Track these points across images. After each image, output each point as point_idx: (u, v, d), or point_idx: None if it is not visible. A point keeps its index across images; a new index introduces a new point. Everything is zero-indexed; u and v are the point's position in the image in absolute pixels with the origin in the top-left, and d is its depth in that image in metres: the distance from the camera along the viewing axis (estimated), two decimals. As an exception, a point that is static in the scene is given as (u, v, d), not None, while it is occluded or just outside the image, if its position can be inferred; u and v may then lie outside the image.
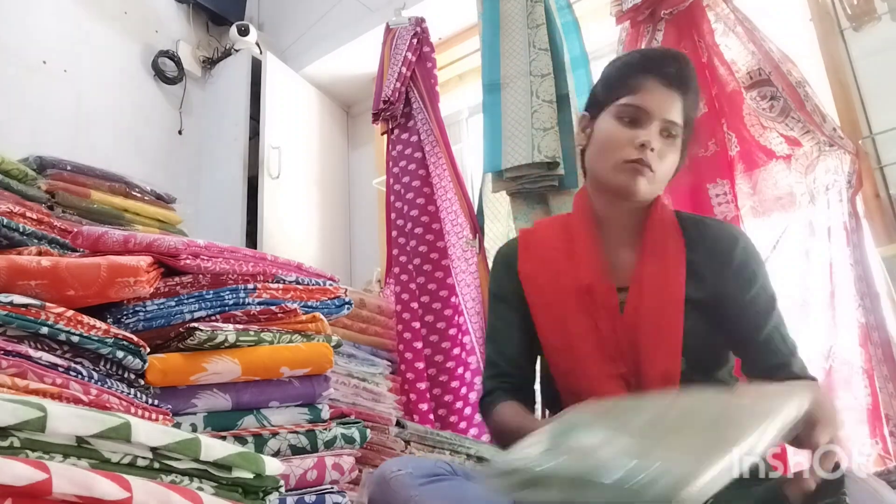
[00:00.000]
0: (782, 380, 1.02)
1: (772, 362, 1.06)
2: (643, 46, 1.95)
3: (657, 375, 1.03)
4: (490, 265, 1.30)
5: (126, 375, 0.94)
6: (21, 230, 1.14)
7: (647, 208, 1.14)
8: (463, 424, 2.04)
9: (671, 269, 1.09)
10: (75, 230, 1.24)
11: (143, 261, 1.05)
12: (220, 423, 1.06)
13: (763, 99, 1.77)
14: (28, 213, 1.19)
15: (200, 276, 1.18)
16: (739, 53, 1.82)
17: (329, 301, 1.35)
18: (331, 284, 1.39)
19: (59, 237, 1.22)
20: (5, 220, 1.11)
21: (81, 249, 1.24)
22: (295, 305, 1.23)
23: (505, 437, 1.05)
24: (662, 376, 1.02)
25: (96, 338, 0.89)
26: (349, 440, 1.19)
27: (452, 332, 2.13)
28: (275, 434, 1.10)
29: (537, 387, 1.21)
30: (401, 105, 2.41)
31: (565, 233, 1.18)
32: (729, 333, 1.09)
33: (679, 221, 1.15)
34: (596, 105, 1.17)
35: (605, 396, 1.01)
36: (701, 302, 1.07)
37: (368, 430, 1.26)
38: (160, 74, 2.97)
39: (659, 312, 1.06)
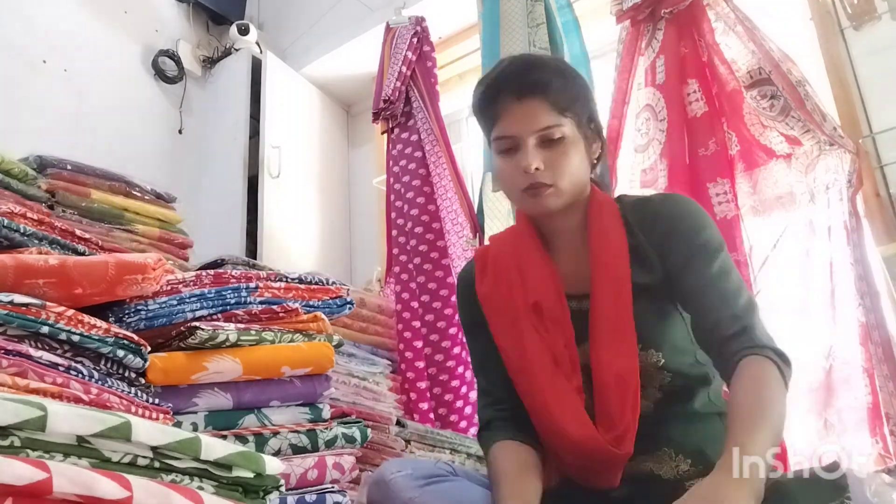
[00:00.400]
0: (718, 341, 0.97)
1: (708, 320, 0.99)
2: (643, 45, 1.95)
3: (611, 381, 1.00)
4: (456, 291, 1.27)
5: (127, 374, 0.94)
6: (22, 231, 1.14)
7: (585, 204, 1.12)
8: (463, 423, 2.04)
9: (619, 269, 1.05)
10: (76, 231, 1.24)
11: (150, 258, 1.06)
12: (221, 423, 1.06)
13: (763, 98, 1.77)
14: (29, 214, 1.18)
15: (203, 274, 1.18)
16: (739, 52, 1.82)
17: (331, 300, 1.35)
18: (333, 283, 1.39)
19: (59, 238, 1.22)
20: (6, 221, 1.11)
21: (83, 249, 1.24)
22: (296, 305, 1.23)
23: (492, 484, 1.03)
24: (616, 380, 0.99)
25: (97, 337, 0.89)
26: (350, 439, 1.20)
27: (453, 331, 2.13)
28: (276, 433, 1.10)
29: None
30: (401, 104, 2.41)
31: (515, 247, 1.16)
32: (677, 294, 1.05)
33: (620, 208, 1.11)
34: (488, 144, 1.15)
35: (561, 414, 1.00)
36: (651, 286, 1.04)
37: (369, 430, 1.26)
38: (160, 74, 2.97)
39: (617, 321, 1.03)
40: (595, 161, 1.13)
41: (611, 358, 1.01)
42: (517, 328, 1.08)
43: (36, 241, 1.16)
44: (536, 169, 1.04)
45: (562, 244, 1.13)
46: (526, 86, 1.06)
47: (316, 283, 1.36)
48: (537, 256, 1.12)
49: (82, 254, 1.25)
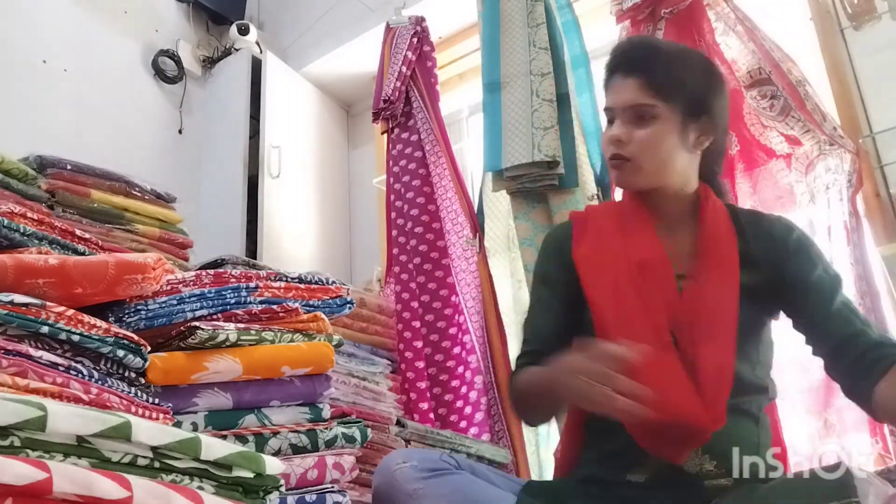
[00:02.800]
0: (859, 348, 1.00)
1: (844, 332, 1.03)
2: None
3: (709, 368, 1.01)
4: (540, 246, 1.30)
5: (127, 374, 0.94)
6: (22, 231, 1.14)
7: (694, 199, 1.16)
8: (463, 424, 2.03)
9: (727, 264, 1.09)
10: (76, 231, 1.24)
11: (150, 258, 1.05)
12: (221, 422, 1.06)
13: (763, 98, 1.77)
14: (29, 214, 1.18)
15: (203, 274, 1.18)
16: (739, 52, 1.82)
17: (331, 300, 1.35)
18: (333, 283, 1.38)
19: (59, 238, 1.21)
20: (6, 221, 1.11)
21: (83, 249, 1.24)
22: (296, 304, 1.23)
23: (530, 397, 1.08)
24: (715, 369, 1.01)
25: (97, 337, 0.89)
26: (350, 439, 1.19)
27: (453, 331, 2.13)
28: (276, 433, 1.10)
29: None
30: (401, 104, 2.41)
31: (619, 217, 1.20)
32: (797, 315, 1.10)
33: (731, 212, 1.17)
34: None
35: (663, 381, 0.98)
36: (755, 291, 1.08)
37: (369, 430, 1.26)
38: (160, 73, 2.97)
39: (716, 309, 1.05)
40: (697, 153, 1.15)
41: (707, 344, 1.03)
42: (617, 286, 1.10)
43: (36, 241, 1.16)
44: (619, 141, 1.10)
45: (665, 226, 1.15)
46: (631, 64, 1.14)
47: (316, 283, 1.36)
48: (644, 224, 1.15)
49: (82, 254, 1.25)
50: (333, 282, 1.40)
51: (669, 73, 1.12)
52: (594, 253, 1.16)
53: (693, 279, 1.09)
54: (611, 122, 1.15)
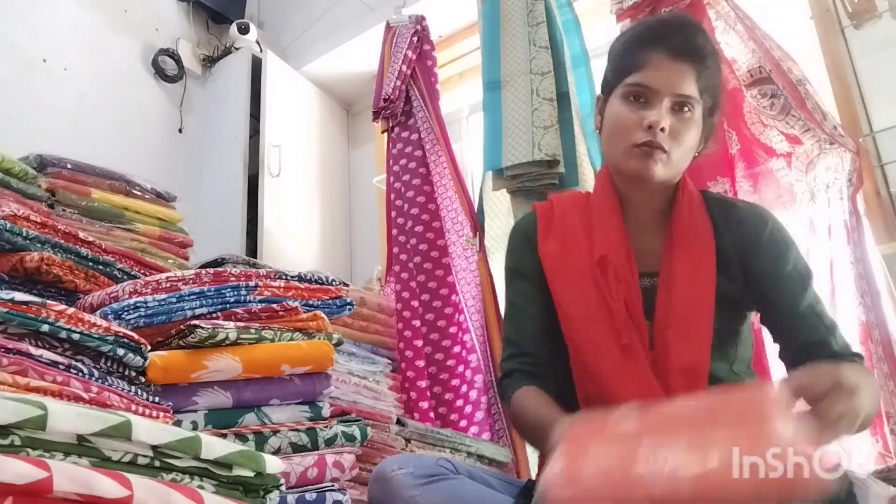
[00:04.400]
0: (821, 359, 0.98)
1: (809, 339, 1.02)
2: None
3: (683, 368, 1.00)
4: (507, 239, 1.26)
5: (127, 373, 0.94)
6: (24, 235, 1.14)
7: (673, 191, 1.11)
8: (463, 423, 2.03)
9: (703, 262, 1.05)
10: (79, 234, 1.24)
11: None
12: (220, 421, 1.06)
13: (763, 97, 1.77)
14: (32, 217, 1.18)
15: (202, 272, 1.18)
16: (740, 51, 1.81)
17: (331, 301, 1.35)
18: (334, 283, 1.38)
19: (62, 241, 1.21)
20: (8, 225, 1.11)
21: (85, 252, 1.24)
22: (296, 304, 1.23)
23: (524, 428, 1.04)
24: (688, 369, 0.99)
25: (97, 335, 0.89)
26: (350, 438, 1.19)
27: (453, 330, 2.13)
28: (276, 432, 1.10)
29: None
30: (401, 103, 2.41)
31: (586, 210, 1.15)
32: (765, 311, 1.08)
33: (706, 204, 1.12)
34: (607, 86, 1.13)
35: (623, 387, 0.99)
36: (730, 289, 1.05)
37: (369, 429, 1.26)
38: (160, 72, 2.96)
39: (690, 307, 1.02)
40: (696, 154, 1.12)
41: (681, 344, 1.00)
42: (580, 283, 1.07)
43: (38, 246, 1.16)
44: (662, 130, 1.01)
45: (637, 221, 1.11)
46: (687, 48, 1.04)
47: (316, 282, 1.36)
48: (611, 217, 1.10)
49: (84, 257, 1.25)
50: (333, 281, 1.40)
51: (713, 68, 1.07)
52: (559, 249, 1.12)
53: (666, 276, 1.06)
54: (641, 100, 1.04)
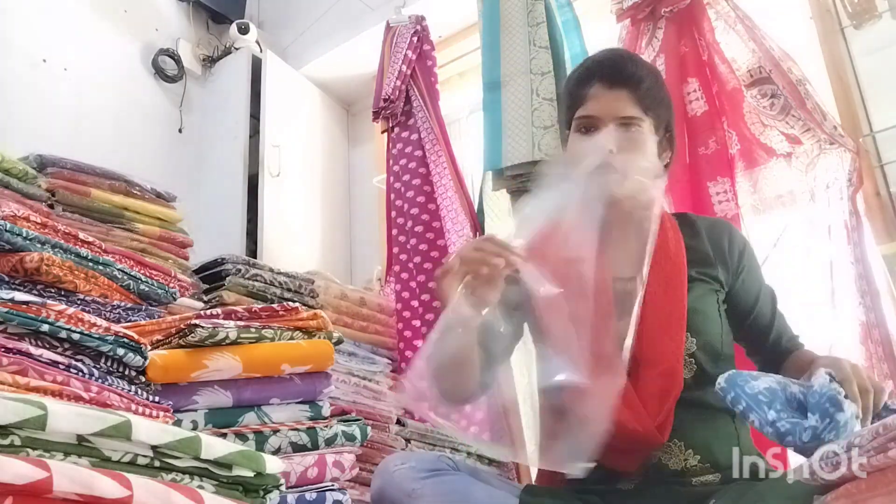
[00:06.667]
0: (793, 349, 1.15)
1: (784, 336, 1.17)
2: (643, 44, 1.95)
3: (655, 375, 1.03)
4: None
5: (127, 372, 0.94)
6: (24, 235, 1.14)
7: (645, 206, 1.16)
8: (463, 423, 2.03)
9: (675, 265, 1.12)
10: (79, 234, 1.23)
11: None
12: (221, 420, 1.06)
13: (763, 97, 1.77)
14: (32, 217, 1.18)
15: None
16: (740, 51, 1.81)
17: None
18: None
19: (62, 242, 1.21)
20: (8, 225, 1.11)
21: (85, 252, 1.24)
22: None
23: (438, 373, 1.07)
24: (662, 376, 1.02)
25: (97, 335, 0.89)
26: (350, 438, 1.19)
27: (453, 330, 2.12)
28: (276, 431, 1.10)
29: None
30: (401, 103, 2.41)
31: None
32: (737, 322, 1.17)
33: (674, 217, 1.22)
34: (566, 123, 1.23)
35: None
36: (704, 277, 1.13)
37: (369, 428, 1.26)
38: (160, 72, 2.96)
39: (665, 313, 1.07)
40: (663, 167, 1.20)
41: (659, 343, 1.05)
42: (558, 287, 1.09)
43: (38, 246, 1.16)
44: (610, 151, 1.09)
45: (612, 233, 1.16)
46: (619, 76, 1.14)
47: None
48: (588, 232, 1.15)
49: (85, 257, 1.25)
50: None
51: (652, 87, 1.16)
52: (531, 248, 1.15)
53: (642, 283, 1.10)
54: (589, 131, 1.15)
